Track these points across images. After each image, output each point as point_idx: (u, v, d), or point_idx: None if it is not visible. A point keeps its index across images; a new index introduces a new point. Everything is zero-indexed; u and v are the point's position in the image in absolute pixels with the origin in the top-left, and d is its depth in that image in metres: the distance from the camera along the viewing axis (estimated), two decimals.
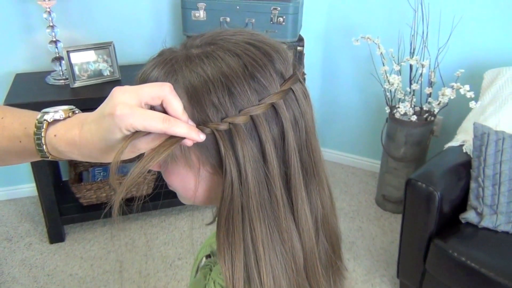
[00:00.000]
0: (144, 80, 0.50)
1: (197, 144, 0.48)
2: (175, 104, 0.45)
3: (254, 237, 0.48)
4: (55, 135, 0.49)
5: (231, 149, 0.47)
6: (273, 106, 0.48)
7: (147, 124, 0.44)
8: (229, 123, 0.47)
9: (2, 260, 2.07)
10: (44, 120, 0.49)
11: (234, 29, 0.52)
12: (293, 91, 0.50)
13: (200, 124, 0.47)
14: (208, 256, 0.65)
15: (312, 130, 0.53)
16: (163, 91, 0.44)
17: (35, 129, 0.50)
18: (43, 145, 0.50)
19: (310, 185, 0.53)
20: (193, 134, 0.46)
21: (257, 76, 0.48)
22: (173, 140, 0.45)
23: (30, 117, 0.51)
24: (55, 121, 0.50)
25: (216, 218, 0.51)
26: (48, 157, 0.51)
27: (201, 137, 0.46)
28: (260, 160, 0.48)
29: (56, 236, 2.16)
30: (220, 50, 0.49)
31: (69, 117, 0.51)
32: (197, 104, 0.47)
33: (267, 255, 0.49)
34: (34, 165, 1.94)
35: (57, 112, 0.50)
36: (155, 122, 0.44)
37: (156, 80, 0.49)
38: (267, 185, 0.49)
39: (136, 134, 0.45)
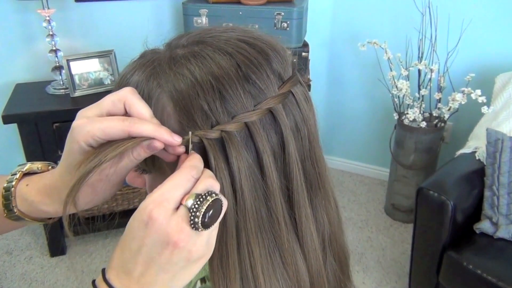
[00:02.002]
0: (123, 85, 0.44)
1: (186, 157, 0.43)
2: (139, 105, 0.40)
3: (253, 262, 0.42)
4: (27, 185, 0.45)
5: (224, 161, 0.41)
6: (271, 112, 0.43)
7: (105, 126, 0.39)
8: (221, 130, 0.41)
9: (2, 274, 2.02)
10: (19, 171, 0.46)
11: (225, 26, 0.47)
12: (293, 94, 0.44)
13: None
14: (203, 280, 0.59)
15: (316, 137, 0.47)
16: (123, 91, 0.41)
17: (6, 183, 0.46)
18: (11, 197, 0.45)
19: (315, 200, 0.47)
20: (163, 134, 0.40)
21: (252, 77, 0.42)
22: (138, 139, 0.40)
23: (4, 175, 0.48)
24: (31, 174, 0.47)
25: None
26: (15, 212, 0.46)
27: (175, 139, 0.41)
28: (257, 173, 0.42)
29: (57, 249, 2.11)
30: (209, 49, 0.43)
31: (47, 170, 0.47)
32: (183, 111, 0.41)
33: (268, 283, 0.43)
34: None
35: (34, 164, 0.48)
36: (114, 123, 0.39)
37: (137, 85, 0.43)
38: (265, 202, 0.43)
39: (101, 150, 0.40)
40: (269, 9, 1.95)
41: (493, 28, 2.12)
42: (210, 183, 0.39)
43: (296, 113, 0.44)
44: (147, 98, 0.42)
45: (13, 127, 1.87)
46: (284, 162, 0.44)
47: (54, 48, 1.97)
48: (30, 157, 1.86)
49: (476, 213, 1.67)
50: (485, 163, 1.68)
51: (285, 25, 1.96)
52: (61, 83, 2.02)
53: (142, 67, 0.44)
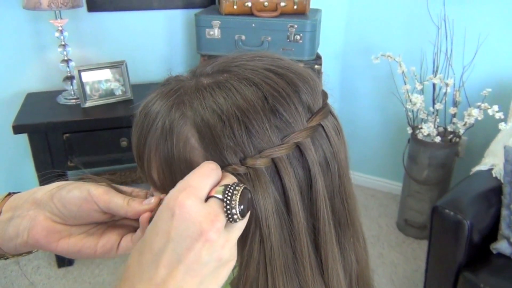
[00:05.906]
0: (146, 114, 0.42)
1: None
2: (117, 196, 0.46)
3: None
4: None
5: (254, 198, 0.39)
6: (298, 146, 0.40)
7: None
8: (248, 166, 0.39)
9: (9, 284, 2.00)
10: None
11: (252, 53, 0.44)
12: (323, 127, 0.42)
13: None
14: None
15: (346, 172, 0.44)
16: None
17: None
18: None
19: (343, 239, 0.44)
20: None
21: (280, 110, 0.40)
22: None
23: None
24: None
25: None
26: None
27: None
28: (283, 211, 0.40)
29: (64, 260, 2.09)
30: (234, 79, 0.41)
31: None
32: (211, 144, 0.39)
33: None
34: (43, 183, 1.89)
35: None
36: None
37: (158, 114, 0.41)
38: (290, 242, 0.40)
39: None
40: (283, 21, 1.93)
41: (511, 42, 2.08)
42: (232, 177, 0.38)
43: (325, 147, 0.42)
44: (168, 129, 0.40)
45: (23, 137, 1.87)
46: (311, 199, 0.41)
47: (66, 58, 1.97)
48: (40, 168, 1.85)
49: (493, 232, 1.62)
50: (502, 181, 1.64)
51: (298, 37, 1.93)
52: (72, 93, 2.01)
53: (166, 95, 0.42)
